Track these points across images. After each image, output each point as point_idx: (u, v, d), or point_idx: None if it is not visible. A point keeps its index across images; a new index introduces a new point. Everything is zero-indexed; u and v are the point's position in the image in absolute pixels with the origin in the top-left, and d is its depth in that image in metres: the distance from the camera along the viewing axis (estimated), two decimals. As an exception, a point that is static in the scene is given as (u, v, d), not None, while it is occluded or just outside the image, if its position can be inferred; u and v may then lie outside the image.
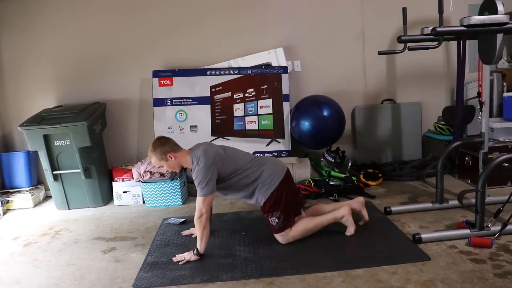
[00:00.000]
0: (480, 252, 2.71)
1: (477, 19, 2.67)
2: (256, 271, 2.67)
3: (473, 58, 4.73)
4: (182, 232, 3.36)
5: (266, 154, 4.50)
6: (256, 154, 3.19)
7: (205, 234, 2.82)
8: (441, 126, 4.61)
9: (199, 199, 2.80)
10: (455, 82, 4.31)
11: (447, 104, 4.83)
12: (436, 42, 3.43)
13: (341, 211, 3.07)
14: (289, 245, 2.97)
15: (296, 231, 2.99)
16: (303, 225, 3.00)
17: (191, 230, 3.33)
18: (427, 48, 3.63)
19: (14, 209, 4.33)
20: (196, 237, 3.20)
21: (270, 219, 2.96)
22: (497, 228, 2.90)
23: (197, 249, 2.84)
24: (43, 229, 3.71)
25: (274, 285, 2.51)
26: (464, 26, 2.71)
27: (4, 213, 4.22)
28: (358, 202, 3.26)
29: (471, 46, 4.52)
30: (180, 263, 2.81)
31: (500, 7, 2.71)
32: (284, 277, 2.58)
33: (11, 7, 4.49)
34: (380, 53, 3.92)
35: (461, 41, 3.84)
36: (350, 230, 3.08)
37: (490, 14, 2.76)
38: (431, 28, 2.90)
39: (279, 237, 2.99)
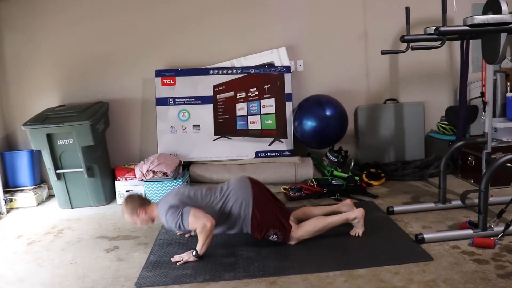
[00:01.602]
0: (483, 253, 2.71)
1: (480, 18, 2.66)
2: (258, 270, 2.67)
3: (476, 58, 4.72)
4: (176, 231, 3.35)
5: (268, 154, 4.51)
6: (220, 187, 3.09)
7: (208, 241, 2.82)
8: (444, 126, 4.60)
9: (190, 222, 2.76)
10: (458, 82, 4.29)
11: (450, 104, 4.82)
12: (439, 42, 3.42)
13: (354, 213, 3.07)
14: (292, 245, 2.97)
15: (305, 231, 2.98)
16: (313, 225, 2.99)
17: None
18: (430, 48, 3.62)
19: (17, 208, 4.34)
20: (190, 236, 3.23)
21: (269, 239, 2.96)
22: (500, 228, 2.89)
23: (196, 251, 2.84)
24: (46, 228, 3.72)
25: (277, 284, 2.51)
26: (467, 25, 2.70)
27: (8, 211, 4.23)
28: (346, 205, 3.25)
29: (475, 46, 4.50)
30: (178, 264, 2.82)
31: (504, 7, 2.70)
32: (286, 276, 2.59)
33: (15, 6, 4.50)
34: (383, 52, 3.91)
35: (465, 41, 3.82)
36: (358, 231, 3.07)
37: (493, 13, 2.75)
38: (434, 27, 2.89)
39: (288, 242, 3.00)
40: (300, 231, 2.98)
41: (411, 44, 3.55)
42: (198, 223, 2.75)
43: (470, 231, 2.91)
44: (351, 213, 3.08)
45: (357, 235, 3.06)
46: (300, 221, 3.08)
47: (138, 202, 2.98)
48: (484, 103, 3.33)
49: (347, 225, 3.09)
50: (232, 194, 2.94)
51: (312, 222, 3.01)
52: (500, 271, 2.47)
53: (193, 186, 3.21)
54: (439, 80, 4.86)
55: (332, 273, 2.59)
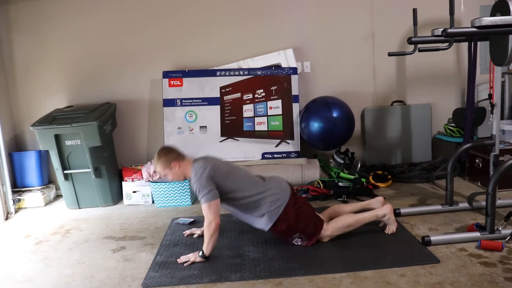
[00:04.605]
0: (490, 255, 2.69)
1: (488, 20, 2.65)
2: (264, 271, 2.68)
3: (484, 60, 4.69)
4: (183, 232, 3.36)
5: (275, 155, 4.51)
6: (261, 174, 3.17)
7: (213, 240, 2.82)
8: (451, 128, 4.57)
9: (203, 207, 2.79)
10: (465, 83, 4.26)
11: (457, 106, 4.80)
12: (447, 44, 3.40)
13: (383, 210, 3.08)
14: (298, 246, 2.97)
15: (335, 228, 2.98)
16: (342, 222, 3.00)
17: (192, 230, 3.35)
18: (438, 50, 3.61)
19: (25, 208, 4.37)
20: (198, 236, 3.24)
21: (292, 242, 2.98)
22: (507, 231, 2.88)
23: (202, 251, 2.84)
24: (54, 228, 3.75)
25: (283, 285, 2.51)
26: (475, 27, 2.69)
27: (16, 211, 4.26)
28: (377, 201, 3.26)
29: (482, 47, 4.48)
30: (185, 265, 2.82)
31: (512, 8, 2.68)
32: (292, 278, 2.59)
33: (24, 10, 4.54)
34: (390, 54, 3.90)
35: (472, 43, 3.80)
36: (391, 228, 3.09)
37: (502, 15, 2.73)
38: (441, 29, 2.88)
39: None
40: (331, 228, 2.98)
41: (419, 45, 3.54)
42: (207, 215, 2.77)
43: (477, 234, 2.89)
44: (379, 210, 3.09)
45: (390, 232, 3.08)
46: (331, 219, 3.09)
47: (174, 154, 2.94)
48: (492, 105, 3.31)
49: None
50: (271, 189, 2.94)
51: (342, 218, 3.02)
52: (508, 274, 2.46)
53: (235, 166, 3.12)
54: (447, 82, 4.84)
55: (338, 274, 2.58)
